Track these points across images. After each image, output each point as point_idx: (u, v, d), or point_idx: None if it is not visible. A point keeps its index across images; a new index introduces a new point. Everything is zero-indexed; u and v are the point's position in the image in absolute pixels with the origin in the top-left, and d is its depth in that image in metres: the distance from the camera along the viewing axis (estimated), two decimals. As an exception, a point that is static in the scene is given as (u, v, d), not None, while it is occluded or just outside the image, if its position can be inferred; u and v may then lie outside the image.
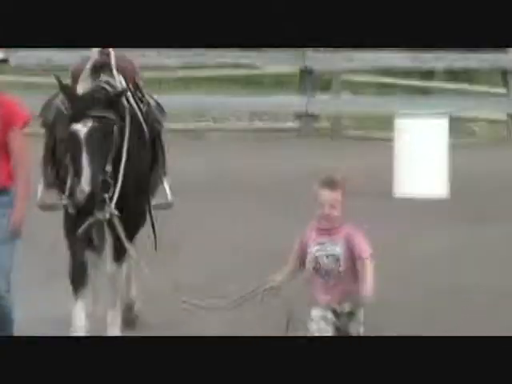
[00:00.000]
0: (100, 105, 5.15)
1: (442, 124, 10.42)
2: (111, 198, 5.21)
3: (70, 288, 5.35)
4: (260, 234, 8.38)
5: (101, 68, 5.46)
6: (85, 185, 4.98)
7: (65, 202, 5.27)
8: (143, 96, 5.62)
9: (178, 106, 12.11)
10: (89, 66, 5.45)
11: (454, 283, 6.81)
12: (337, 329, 4.43)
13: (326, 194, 4.49)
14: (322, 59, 14.05)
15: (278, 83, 16.23)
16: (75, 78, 5.48)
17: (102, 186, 5.13)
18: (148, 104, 5.69)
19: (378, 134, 13.58)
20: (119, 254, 5.41)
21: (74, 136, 5.07)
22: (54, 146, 5.58)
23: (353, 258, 4.46)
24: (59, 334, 4.90)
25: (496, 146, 14.12)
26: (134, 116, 5.46)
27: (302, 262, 4.52)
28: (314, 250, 4.50)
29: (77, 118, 5.08)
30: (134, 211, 5.54)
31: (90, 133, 5.08)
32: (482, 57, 13.94)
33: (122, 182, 5.28)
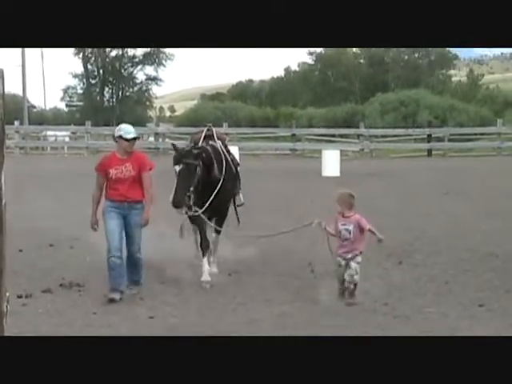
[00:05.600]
0: (189, 157, 8.48)
1: (336, 152, 25.03)
2: (195, 205, 8.59)
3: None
4: (286, 194, 17.97)
5: (208, 137, 9.19)
6: (172, 197, 8.34)
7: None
8: (228, 151, 9.47)
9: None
10: (202, 136, 9.16)
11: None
12: (346, 265, 7.70)
13: (339, 207, 7.88)
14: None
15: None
16: (196, 142, 8.95)
17: (186, 197, 8.40)
18: (230, 152, 9.54)
19: (317, 154, 29.14)
20: (217, 231, 9.24)
21: (175, 171, 8.52)
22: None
23: (360, 230, 7.59)
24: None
25: (356, 159, 32.86)
26: (226, 158, 9.16)
27: (335, 230, 7.77)
28: (340, 225, 7.72)
29: (176, 162, 8.52)
30: (227, 207, 9.40)
31: (181, 169, 8.41)
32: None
33: (223, 192, 8.87)
